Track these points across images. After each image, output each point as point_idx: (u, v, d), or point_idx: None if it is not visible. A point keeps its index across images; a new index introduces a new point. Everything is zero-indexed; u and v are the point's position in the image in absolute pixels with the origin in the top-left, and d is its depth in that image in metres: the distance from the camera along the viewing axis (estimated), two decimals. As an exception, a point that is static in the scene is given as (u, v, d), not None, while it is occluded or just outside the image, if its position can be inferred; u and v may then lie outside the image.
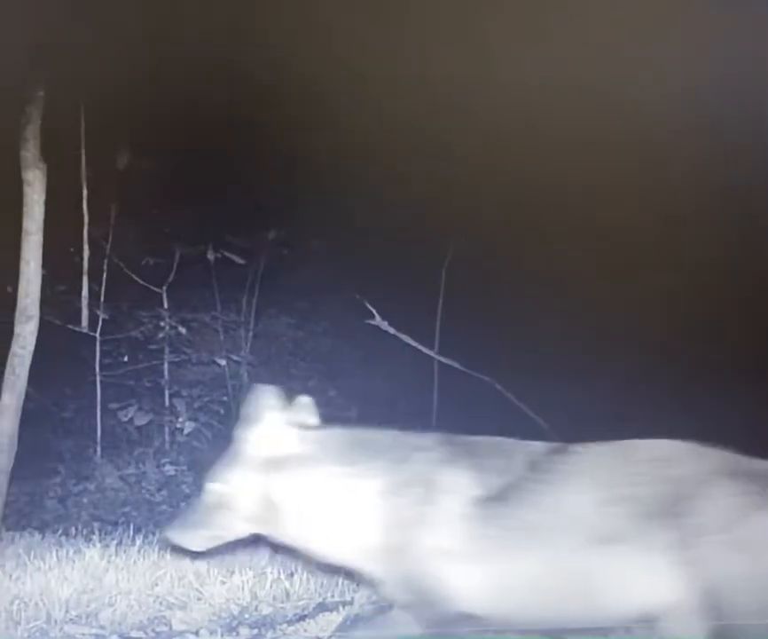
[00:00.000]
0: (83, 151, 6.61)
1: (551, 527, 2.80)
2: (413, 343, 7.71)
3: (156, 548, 4.80)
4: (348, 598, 4.37)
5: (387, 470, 3.02)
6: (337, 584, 4.48)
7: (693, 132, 5.99)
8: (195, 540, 3.34)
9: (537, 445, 3.01)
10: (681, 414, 7.24)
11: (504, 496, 2.84)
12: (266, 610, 4.24)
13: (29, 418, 5.74)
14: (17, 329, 5.49)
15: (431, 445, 3.08)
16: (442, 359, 7.85)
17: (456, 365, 7.61)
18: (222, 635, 3.85)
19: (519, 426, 7.62)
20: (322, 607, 4.30)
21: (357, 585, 4.25)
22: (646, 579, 2.72)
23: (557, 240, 7.39)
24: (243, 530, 3.27)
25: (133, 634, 3.96)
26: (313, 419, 3.43)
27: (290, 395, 3.39)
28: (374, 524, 3.01)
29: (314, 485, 3.11)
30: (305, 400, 3.40)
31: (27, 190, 5.53)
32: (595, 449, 2.93)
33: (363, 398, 8.17)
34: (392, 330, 7.55)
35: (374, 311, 7.42)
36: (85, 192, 6.69)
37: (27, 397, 5.58)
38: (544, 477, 2.84)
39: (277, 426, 3.21)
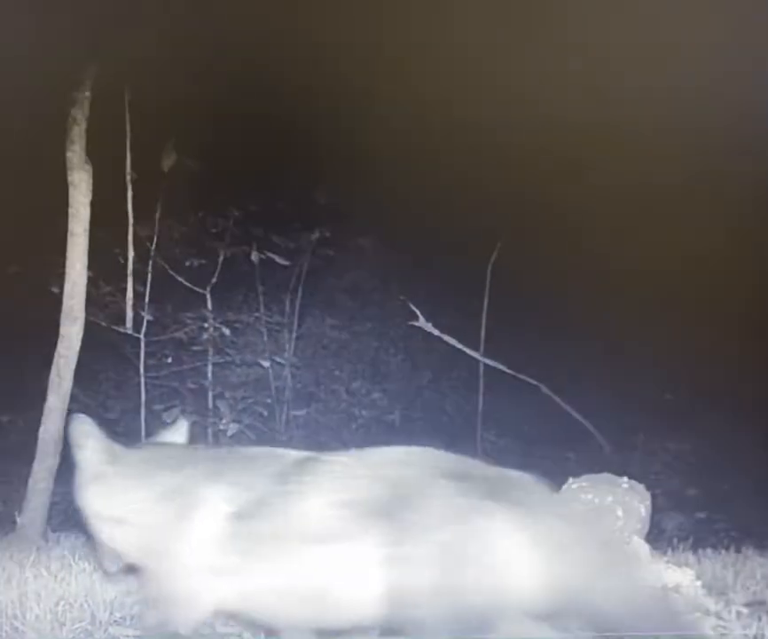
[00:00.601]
0: (128, 152, 6.61)
1: (289, 535, 2.92)
2: (458, 345, 7.65)
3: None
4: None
5: (159, 482, 3.18)
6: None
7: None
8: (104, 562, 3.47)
9: (292, 456, 3.14)
10: (725, 417, 7.19)
11: (251, 511, 2.97)
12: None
13: (75, 420, 5.74)
14: (62, 331, 5.50)
15: (199, 459, 3.25)
16: (488, 362, 7.78)
17: (502, 367, 7.54)
18: (265, 639, 3.80)
19: (566, 429, 7.56)
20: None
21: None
22: (369, 578, 2.81)
23: (606, 240, 7.28)
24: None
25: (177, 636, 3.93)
26: (180, 439, 3.52)
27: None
28: (142, 535, 3.16)
29: (110, 497, 3.25)
30: (181, 424, 3.56)
31: (72, 192, 5.55)
32: (335, 458, 3.08)
33: (407, 399, 8.13)
34: (436, 332, 7.49)
35: (419, 313, 7.37)
36: (130, 193, 6.69)
37: (73, 398, 5.60)
38: (287, 489, 2.97)
39: (93, 449, 3.34)
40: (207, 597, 3.00)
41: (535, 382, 7.40)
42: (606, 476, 4.48)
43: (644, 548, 4.05)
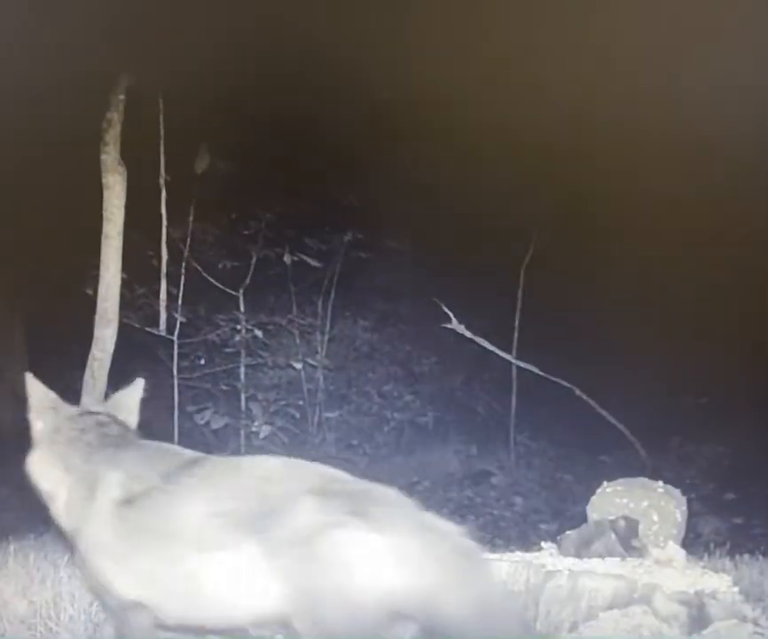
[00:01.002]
0: (162, 155, 6.63)
1: (165, 532, 3.07)
2: (490, 347, 7.60)
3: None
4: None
5: (76, 464, 3.31)
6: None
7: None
8: None
9: (185, 456, 3.27)
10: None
11: (136, 501, 3.12)
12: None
13: (109, 421, 5.76)
14: (96, 333, 5.53)
15: (109, 444, 3.36)
16: (521, 364, 7.72)
17: (535, 369, 7.48)
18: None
19: (600, 432, 7.49)
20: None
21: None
22: (242, 586, 2.97)
23: (642, 242, 7.21)
24: None
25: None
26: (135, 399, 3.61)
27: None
28: (68, 513, 3.30)
29: (44, 468, 3.37)
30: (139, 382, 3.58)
31: (106, 194, 5.56)
32: (216, 465, 3.22)
33: (439, 402, 8.10)
34: (469, 334, 7.45)
35: (451, 315, 7.33)
36: (164, 195, 6.70)
37: (107, 399, 5.61)
38: (168, 488, 3.12)
39: (37, 409, 3.42)
40: (112, 582, 3.13)
41: (568, 385, 7.33)
42: (641, 480, 4.46)
43: (680, 553, 4.00)
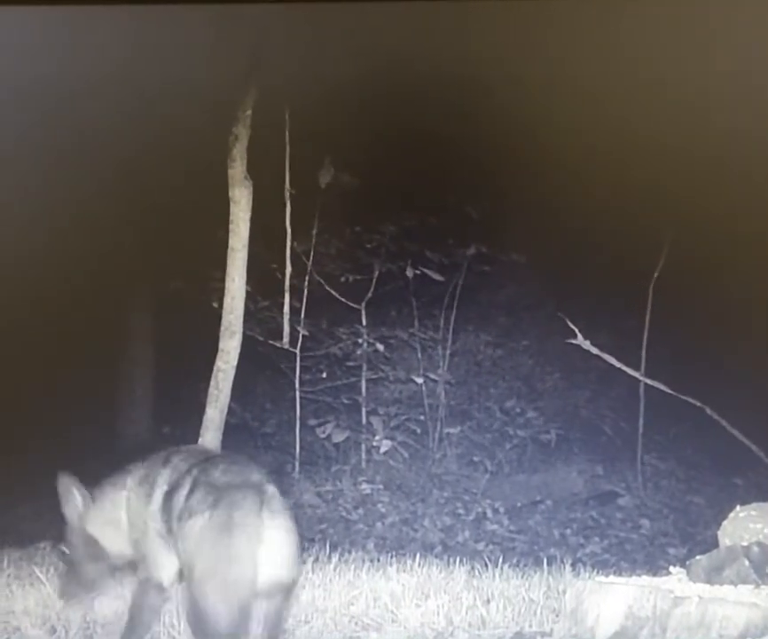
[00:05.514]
0: (287, 168, 6.73)
1: None
2: (617, 364, 7.40)
3: (352, 567, 4.83)
4: (547, 629, 4.21)
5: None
6: (535, 613, 4.33)
7: None
8: None
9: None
10: None
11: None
12: (461, 636, 4.13)
13: (232, 432, 5.90)
14: (221, 345, 5.65)
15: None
16: (649, 382, 7.49)
17: (663, 387, 7.25)
18: (414, 660, 3.79)
19: (733, 454, 7.22)
20: (519, 636, 4.17)
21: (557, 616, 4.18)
22: None
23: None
24: None
25: (327, 652, 3.97)
26: None
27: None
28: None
29: None
30: None
31: (233, 208, 5.70)
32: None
33: (563, 419, 7.94)
34: (595, 350, 7.28)
35: (576, 330, 7.18)
36: (288, 209, 6.81)
37: (230, 411, 5.73)
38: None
39: None
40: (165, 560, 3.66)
41: (699, 404, 7.07)
42: (777, 505, 4.28)
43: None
